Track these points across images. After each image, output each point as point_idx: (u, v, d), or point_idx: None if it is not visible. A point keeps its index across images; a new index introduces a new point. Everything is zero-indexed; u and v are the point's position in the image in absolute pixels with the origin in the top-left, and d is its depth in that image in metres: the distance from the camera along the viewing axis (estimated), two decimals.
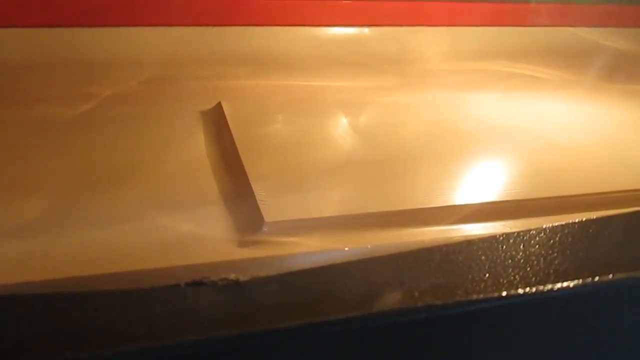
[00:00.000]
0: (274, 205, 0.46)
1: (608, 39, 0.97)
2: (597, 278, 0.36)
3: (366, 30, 0.88)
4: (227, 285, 0.33)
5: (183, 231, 0.45)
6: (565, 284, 0.36)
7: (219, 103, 0.67)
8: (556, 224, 0.43)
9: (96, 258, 0.40)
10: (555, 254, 0.40)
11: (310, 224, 0.45)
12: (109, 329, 0.28)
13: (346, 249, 0.43)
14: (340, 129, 0.65)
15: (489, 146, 0.61)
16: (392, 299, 0.33)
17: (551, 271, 0.38)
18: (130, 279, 0.37)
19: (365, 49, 0.87)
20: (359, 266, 0.37)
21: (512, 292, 0.34)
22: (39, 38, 0.74)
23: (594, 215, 0.45)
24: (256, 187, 0.48)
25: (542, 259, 0.39)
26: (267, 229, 0.44)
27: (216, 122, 0.65)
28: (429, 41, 0.89)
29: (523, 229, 0.43)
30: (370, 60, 0.86)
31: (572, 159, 0.59)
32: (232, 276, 0.33)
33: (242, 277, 0.34)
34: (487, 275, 0.37)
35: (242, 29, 0.83)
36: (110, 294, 0.32)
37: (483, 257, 0.39)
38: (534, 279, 0.37)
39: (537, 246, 0.40)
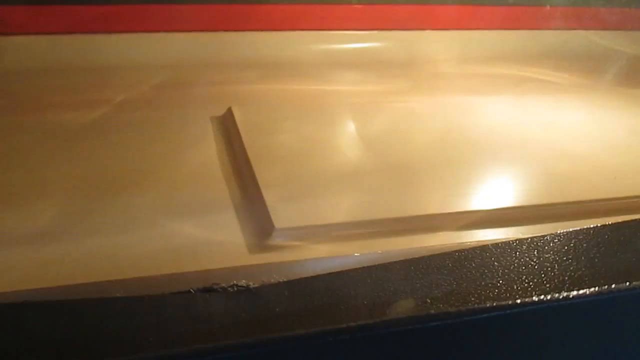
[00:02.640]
0: (284, 212, 0.45)
1: (621, 42, 0.96)
2: (613, 285, 0.35)
3: (377, 34, 0.88)
4: (238, 292, 0.33)
5: (194, 237, 0.45)
6: (581, 292, 0.36)
7: (230, 108, 0.67)
8: (571, 229, 0.42)
9: (108, 264, 0.40)
10: (570, 260, 0.39)
11: (321, 230, 0.45)
12: (120, 336, 0.28)
13: (356, 254, 0.42)
14: (351, 134, 0.65)
15: (501, 151, 0.61)
16: (405, 306, 0.32)
17: (566, 278, 0.37)
18: (142, 285, 0.37)
19: (376, 53, 0.87)
20: (371, 272, 0.36)
21: (527, 299, 0.34)
22: (51, 44, 0.75)
23: (609, 221, 0.45)
24: (267, 194, 0.48)
25: (556, 265, 0.38)
26: (278, 235, 0.43)
27: (227, 127, 0.65)
28: (440, 45, 0.88)
29: (537, 234, 0.42)
30: (381, 65, 0.85)
31: (586, 164, 0.58)
32: (243, 282, 0.33)
33: (253, 284, 0.33)
34: (501, 281, 0.36)
35: (252, 34, 0.83)
36: (121, 300, 0.32)
37: (496, 263, 0.38)
38: (548, 285, 0.36)
39: (551, 252, 0.40)
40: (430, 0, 0.88)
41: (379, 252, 0.42)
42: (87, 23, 0.76)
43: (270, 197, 0.47)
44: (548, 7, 0.93)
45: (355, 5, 0.86)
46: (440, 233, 0.46)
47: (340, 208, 0.49)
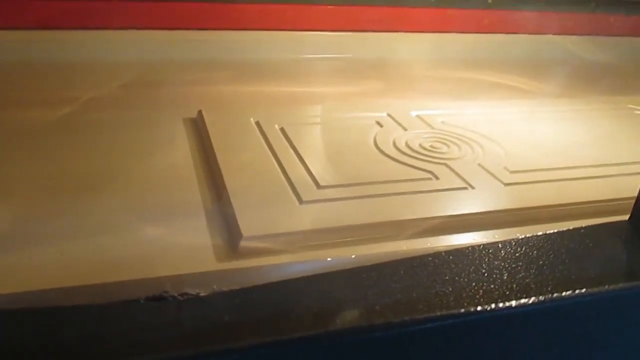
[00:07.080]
0: (253, 219, 0.45)
1: (590, 49, 0.97)
2: (555, 294, 0.36)
3: (350, 35, 0.88)
4: (187, 300, 0.33)
5: (159, 243, 0.44)
6: (527, 300, 0.37)
7: (200, 111, 0.66)
8: (521, 236, 0.43)
9: (71, 270, 0.40)
10: (519, 268, 0.40)
11: (289, 238, 0.44)
12: (60, 348, 0.28)
13: (329, 259, 0.42)
14: (321, 139, 0.65)
15: (457, 156, 0.61)
16: (351, 316, 0.33)
17: (514, 286, 0.38)
18: (96, 292, 0.37)
19: (349, 54, 0.87)
20: (323, 280, 0.37)
21: (471, 308, 0.35)
22: (18, 40, 0.74)
23: (562, 227, 0.46)
24: (235, 201, 0.48)
25: (505, 273, 0.39)
26: (246, 242, 0.43)
27: (197, 129, 0.65)
28: (413, 48, 0.89)
29: (490, 240, 0.43)
30: (354, 66, 0.86)
31: (544, 168, 0.59)
32: (194, 291, 0.33)
33: (203, 292, 0.34)
34: (450, 289, 0.37)
35: (224, 33, 0.83)
36: (66, 310, 0.32)
37: (447, 270, 0.39)
38: (496, 293, 0.37)
39: (501, 259, 0.41)
40: (404, 2, 0.89)
41: (352, 256, 0.42)
42: (55, 18, 0.76)
43: (238, 204, 0.47)
44: (520, 12, 0.95)
45: (329, 6, 0.86)
46: (401, 239, 0.46)
47: (309, 215, 0.49)
